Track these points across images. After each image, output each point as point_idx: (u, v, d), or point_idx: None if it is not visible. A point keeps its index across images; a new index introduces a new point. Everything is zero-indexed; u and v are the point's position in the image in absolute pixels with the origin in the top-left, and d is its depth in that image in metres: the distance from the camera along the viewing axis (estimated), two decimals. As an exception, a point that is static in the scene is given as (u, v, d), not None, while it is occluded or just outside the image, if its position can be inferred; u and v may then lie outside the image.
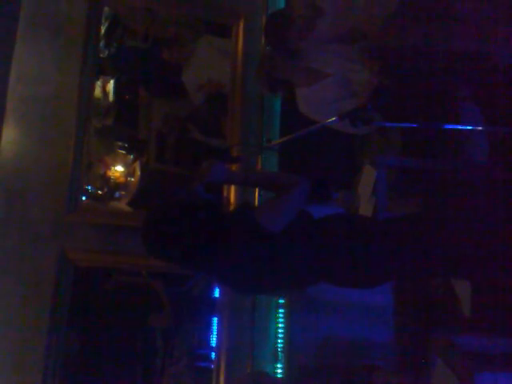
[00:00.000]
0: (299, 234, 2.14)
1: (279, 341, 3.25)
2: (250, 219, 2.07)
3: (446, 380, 2.61)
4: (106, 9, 3.87)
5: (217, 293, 3.54)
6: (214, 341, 3.53)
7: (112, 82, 4.04)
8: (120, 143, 3.92)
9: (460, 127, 2.69)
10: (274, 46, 3.12)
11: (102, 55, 3.89)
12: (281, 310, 3.29)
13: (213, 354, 3.41)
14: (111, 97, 4.04)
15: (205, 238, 2.06)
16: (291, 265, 2.17)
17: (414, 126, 2.59)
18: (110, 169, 3.79)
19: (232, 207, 3.27)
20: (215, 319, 3.53)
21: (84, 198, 3.47)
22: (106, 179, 3.78)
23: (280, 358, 3.23)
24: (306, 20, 3.00)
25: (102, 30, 3.86)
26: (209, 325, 3.59)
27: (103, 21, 3.84)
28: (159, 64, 3.94)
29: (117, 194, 3.78)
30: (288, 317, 3.25)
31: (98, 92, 3.86)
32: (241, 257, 2.11)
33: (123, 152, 3.91)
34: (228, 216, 2.19)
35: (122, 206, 3.70)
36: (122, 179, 3.80)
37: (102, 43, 3.87)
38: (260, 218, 2.07)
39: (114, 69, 4.08)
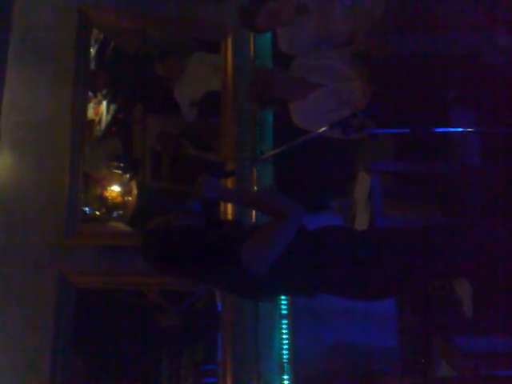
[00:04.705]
0: (295, 246, 2.13)
1: (284, 352, 3.25)
2: (235, 255, 2.03)
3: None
4: (96, 31, 3.90)
5: (219, 306, 3.53)
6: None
7: (105, 103, 4.06)
8: (115, 163, 3.94)
9: (451, 130, 2.70)
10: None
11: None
12: (284, 321, 3.28)
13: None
14: (104, 118, 4.06)
15: (202, 253, 2.07)
16: (288, 277, 2.17)
17: (406, 131, 2.61)
18: (106, 189, 3.81)
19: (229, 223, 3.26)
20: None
21: (82, 220, 3.47)
22: (103, 200, 3.78)
23: (286, 369, 3.22)
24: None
25: (93, 53, 3.89)
26: (214, 339, 3.57)
27: (93, 43, 3.88)
28: (153, 79, 3.96)
29: (115, 214, 3.79)
30: (292, 327, 3.24)
31: (90, 113, 3.88)
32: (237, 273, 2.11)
33: (119, 172, 3.92)
34: (220, 239, 2.11)
35: (121, 225, 3.70)
36: (119, 199, 3.81)
37: (92, 65, 3.90)
38: (245, 256, 2.03)
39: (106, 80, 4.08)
